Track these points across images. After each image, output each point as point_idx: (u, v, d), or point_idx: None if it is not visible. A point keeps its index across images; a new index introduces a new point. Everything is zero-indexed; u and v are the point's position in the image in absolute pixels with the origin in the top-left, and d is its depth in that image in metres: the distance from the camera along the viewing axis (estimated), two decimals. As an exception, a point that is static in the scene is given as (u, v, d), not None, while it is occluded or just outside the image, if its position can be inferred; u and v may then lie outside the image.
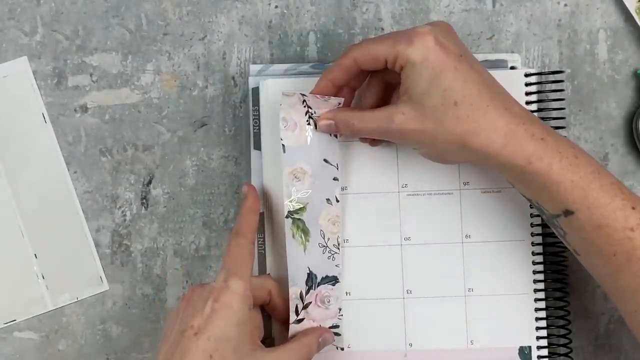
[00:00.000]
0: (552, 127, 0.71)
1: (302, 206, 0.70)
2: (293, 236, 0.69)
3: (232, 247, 0.66)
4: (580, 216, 0.61)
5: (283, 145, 0.68)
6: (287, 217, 0.69)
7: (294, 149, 0.69)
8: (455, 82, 0.61)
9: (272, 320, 0.72)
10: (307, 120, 0.69)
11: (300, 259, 0.70)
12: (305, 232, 0.70)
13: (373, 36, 0.76)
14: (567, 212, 0.61)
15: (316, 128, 0.69)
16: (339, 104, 0.68)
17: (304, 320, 0.70)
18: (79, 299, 0.76)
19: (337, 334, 0.71)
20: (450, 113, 0.61)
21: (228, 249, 0.66)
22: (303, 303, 0.70)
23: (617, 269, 0.61)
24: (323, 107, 0.68)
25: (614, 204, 0.60)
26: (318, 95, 0.68)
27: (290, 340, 0.68)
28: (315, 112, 0.68)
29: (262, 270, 0.72)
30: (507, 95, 0.63)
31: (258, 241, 0.73)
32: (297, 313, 0.70)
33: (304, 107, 0.68)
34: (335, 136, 0.70)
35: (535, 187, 0.62)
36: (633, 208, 0.60)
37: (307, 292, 0.70)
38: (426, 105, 0.62)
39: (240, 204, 0.70)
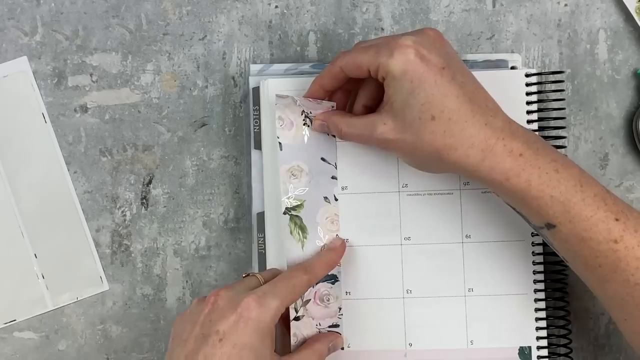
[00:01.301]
0: (551, 127, 0.72)
1: (299, 203, 0.70)
2: (291, 232, 0.70)
3: (290, 275, 0.65)
4: (563, 229, 0.60)
5: (280, 143, 0.69)
6: (284, 213, 0.70)
7: (290, 147, 0.70)
8: (434, 96, 0.60)
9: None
10: (304, 120, 0.69)
11: (298, 255, 0.70)
12: (303, 229, 0.71)
13: (373, 36, 0.76)
14: (549, 226, 0.61)
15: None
16: (332, 107, 0.69)
17: (304, 317, 0.70)
18: (79, 299, 0.76)
19: (337, 334, 0.71)
20: (428, 127, 0.60)
21: (286, 274, 0.66)
22: (302, 300, 0.70)
23: (604, 279, 0.60)
24: (316, 109, 0.69)
25: (596, 217, 0.59)
26: (311, 99, 0.69)
27: (303, 346, 0.68)
28: (310, 112, 0.69)
29: (262, 269, 0.72)
30: (491, 108, 0.62)
31: (258, 241, 0.73)
32: (296, 310, 0.70)
33: (299, 106, 0.69)
34: (334, 136, 0.71)
35: (515, 201, 0.62)
36: (616, 220, 0.59)
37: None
38: (405, 117, 0.62)
39: (322, 251, 0.70)
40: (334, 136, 0.71)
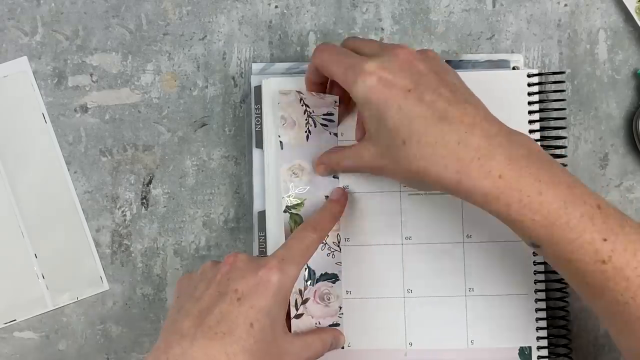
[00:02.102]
0: (552, 127, 0.72)
1: (299, 202, 0.71)
2: (291, 230, 0.70)
3: (301, 237, 0.66)
4: (548, 250, 0.58)
5: (281, 142, 0.69)
6: (284, 211, 0.70)
7: (292, 146, 0.70)
8: (400, 120, 0.59)
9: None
10: (306, 119, 0.70)
11: None
12: None
13: (373, 36, 0.76)
14: (534, 245, 0.59)
15: (315, 126, 0.70)
16: (335, 102, 0.70)
17: (303, 315, 0.70)
18: (79, 299, 0.76)
19: (337, 333, 0.72)
20: (401, 152, 0.59)
21: (296, 234, 0.66)
22: (302, 298, 0.70)
23: (592, 296, 0.58)
24: (320, 104, 0.70)
25: (583, 239, 0.56)
26: (314, 93, 0.69)
27: (310, 332, 0.69)
28: (313, 111, 0.70)
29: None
30: (467, 123, 0.58)
31: (259, 239, 0.73)
32: (296, 308, 0.70)
33: (302, 105, 0.69)
34: (335, 135, 0.71)
35: (499, 220, 0.59)
36: (604, 240, 0.56)
37: (306, 287, 0.71)
38: (380, 143, 0.61)
39: (324, 204, 0.71)
40: (336, 135, 0.71)
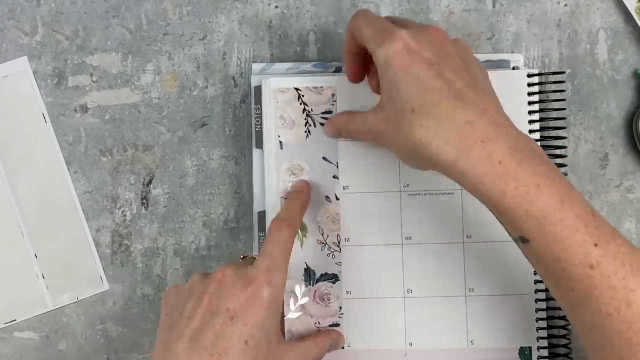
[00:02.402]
0: (552, 127, 0.72)
1: None
2: None
3: (278, 239, 0.65)
4: (536, 246, 0.57)
5: (280, 142, 0.70)
6: None
7: (291, 146, 0.71)
8: (415, 88, 0.58)
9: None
10: (305, 119, 0.70)
11: (297, 253, 0.71)
12: (302, 227, 0.71)
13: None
14: (523, 239, 0.58)
15: (315, 126, 0.70)
16: (333, 95, 0.70)
17: (301, 315, 0.71)
18: (79, 299, 0.76)
19: (337, 333, 0.72)
20: (408, 119, 0.59)
21: (272, 237, 0.65)
22: (299, 298, 0.70)
23: (576, 305, 0.57)
24: (318, 101, 0.70)
25: (574, 239, 0.55)
26: (312, 87, 0.70)
27: (307, 337, 0.69)
28: (312, 110, 0.70)
29: (263, 269, 0.72)
30: (480, 107, 0.58)
31: (259, 239, 0.73)
32: (292, 307, 0.71)
33: (300, 104, 0.70)
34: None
35: (489, 208, 0.59)
36: (595, 245, 0.55)
37: (305, 287, 0.71)
38: (389, 108, 0.61)
39: (290, 196, 0.71)
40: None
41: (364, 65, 0.68)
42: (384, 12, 0.76)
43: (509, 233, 0.59)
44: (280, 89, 0.71)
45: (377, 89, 0.67)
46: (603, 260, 0.55)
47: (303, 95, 0.71)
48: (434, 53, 0.60)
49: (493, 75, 0.71)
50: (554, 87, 0.75)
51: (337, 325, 0.71)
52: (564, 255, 0.56)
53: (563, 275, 0.56)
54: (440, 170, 0.59)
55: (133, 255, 0.76)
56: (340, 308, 0.71)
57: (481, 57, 0.75)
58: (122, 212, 0.76)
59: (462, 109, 0.57)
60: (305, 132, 0.71)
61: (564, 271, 0.56)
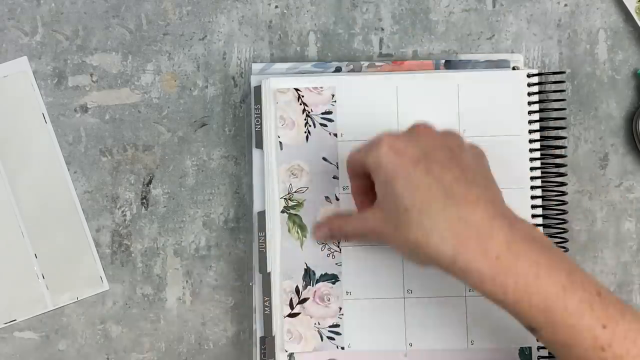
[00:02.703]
0: (552, 127, 0.72)
1: (298, 202, 0.71)
2: (289, 231, 0.71)
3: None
4: (545, 334, 0.57)
5: (280, 142, 0.70)
6: (282, 212, 0.70)
7: (291, 146, 0.71)
8: (405, 189, 0.59)
9: (272, 319, 0.72)
10: (305, 119, 0.70)
11: (297, 253, 0.71)
12: (302, 227, 0.71)
13: (373, 37, 0.76)
14: (532, 329, 0.58)
15: (315, 127, 0.70)
16: (332, 95, 0.71)
17: (300, 315, 0.71)
18: (79, 299, 0.76)
19: (337, 334, 0.71)
20: (403, 219, 0.59)
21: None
22: (299, 298, 0.71)
23: None
24: (318, 101, 0.70)
25: (581, 324, 0.56)
26: (312, 88, 0.70)
27: None
28: (312, 110, 0.70)
29: (263, 268, 0.72)
30: (471, 201, 0.58)
31: (259, 240, 0.73)
32: (291, 307, 0.71)
33: (300, 104, 0.70)
34: (335, 135, 0.71)
35: (494, 302, 0.59)
36: (604, 327, 0.55)
37: (305, 287, 0.71)
38: (385, 209, 0.62)
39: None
40: (335, 135, 0.72)
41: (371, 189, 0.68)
42: (384, 12, 0.76)
43: (520, 322, 0.59)
44: (280, 89, 0.72)
45: (356, 193, 0.69)
46: (614, 342, 0.55)
47: (303, 96, 0.71)
48: (420, 149, 0.61)
49: (492, 76, 0.71)
50: (554, 87, 0.75)
51: (337, 325, 0.71)
52: (574, 341, 0.56)
53: (577, 359, 0.57)
54: (442, 268, 0.59)
55: (133, 255, 0.76)
56: (340, 308, 0.71)
57: (481, 57, 0.75)
58: (122, 212, 0.76)
59: (452, 207, 0.58)
60: (305, 132, 0.71)
61: (577, 356, 0.57)
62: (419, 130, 0.63)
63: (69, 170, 0.76)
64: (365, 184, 0.66)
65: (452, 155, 0.61)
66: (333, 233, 0.71)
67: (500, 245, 0.57)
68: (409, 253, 0.61)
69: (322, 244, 0.72)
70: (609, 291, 0.58)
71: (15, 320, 0.75)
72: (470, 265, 0.57)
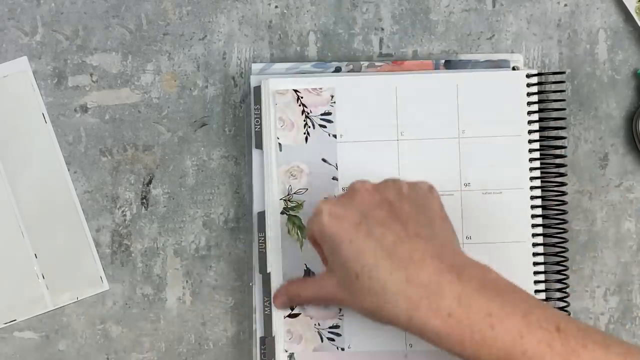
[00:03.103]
0: (551, 127, 0.72)
1: (298, 203, 0.71)
2: (289, 232, 0.71)
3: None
4: None
5: (279, 144, 0.70)
6: (282, 213, 0.70)
7: (290, 148, 0.71)
8: (352, 253, 0.60)
9: (272, 319, 0.72)
10: (304, 120, 0.70)
11: (296, 254, 0.72)
12: (302, 229, 0.72)
13: (373, 37, 0.76)
14: None
15: (314, 127, 0.71)
16: (332, 96, 0.71)
17: (300, 315, 0.71)
18: (79, 299, 0.76)
19: (337, 334, 0.71)
20: (355, 285, 0.60)
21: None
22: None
23: None
24: (317, 102, 0.70)
25: None
26: (311, 89, 0.71)
27: None
28: (311, 111, 0.70)
29: (263, 268, 0.72)
30: (416, 259, 0.58)
31: (259, 240, 0.73)
32: (291, 307, 0.71)
33: (299, 105, 0.70)
34: (334, 136, 0.71)
35: (456, 357, 0.58)
36: None
37: None
38: (337, 275, 0.62)
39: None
40: (335, 136, 0.72)
41: None
42: (384, 12, 0.76)
43: None
44: (279, 90, 0.72)
45: (324, 259, 0.67)
46: None
47: (302, 97, 0.71)
48: (359, 212, 0.61)
49: (492, 76, 0.71)
50: (554, 87, 0.74)
51: (338, 326, 0.71)
52: None
53: None
54: (400, 328, 0.59)
55: (133, 255, 0.76)
56: (341, 309, 0.71)
57: (481, 57, 0.75)
58: (122, 212, 0.76)
59: (399, 270, 0.58)
60: (305, 133, 0.71)
61: None
62: (356, 190, 0.63)
63: (69, 170, 0.76)
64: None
65: (391, 210, 0.62)
66: (292, 300, 0.71)
67: (451, 302, 0.57)
68: (367, 316, 0.62)
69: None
70: (568, 321, 0.57)
71: (15, 320, 0.75)
72: (425, 325, 0.57)
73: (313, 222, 0.63)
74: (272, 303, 0.71)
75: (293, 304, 0.72)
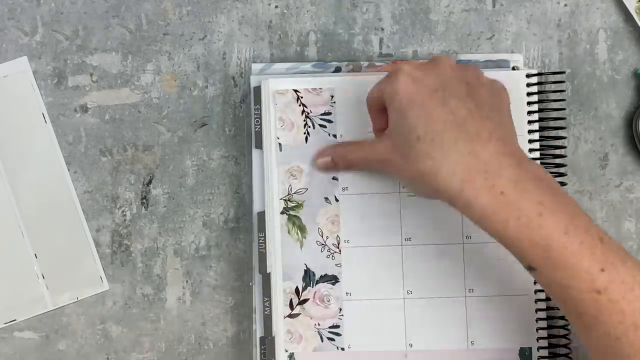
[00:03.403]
0: (551, 127, 0.72)
1: (298, 203, 0.71)
2: (288, 232, 0.71)
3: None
4: (542, 274, 0.58)
5: (279, 144, 0.70)
6: (282, 213, 0.70)
7: (290, 147, 0.71)
8: (420, 118, 0.59)
9: (272, 320, 0.72)
10: (304, 120, 0.70)
11: (297, 254, 0.72)
12: (302, 229, 0.71)
13: (373, 37, 0.76)
14: (530, 267, 0.59)
15: (314, 128, 0.70)
16: (332, 96, 0.71)
17: (300, 315, 0.71)
18: (79, 299, 0.76)
19: (337, 334, 0.72)
20: (414, 147, 0.60)
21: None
22: (299, 298, 0.71)
23: (585, 328, 0.58)
24: (317, 102, 0.70)
25: (580, 266, 0.56)
26: (310, 89, 0.71)
27: None
28: (311, 111, 0.70)
29: (263, 268, 0.72)
30: (484, 137, 0.59)
31: (259, 240, 0.73)
32: (292, 307, 0.71)
33: (299, 105, 0.70)
34: (334, 136, 0.71)
35: (495, 238, 0.59)
36: (602, 270, 0.56)
37: (304, 288, 0.72)
38: (397, 138, 0.62)
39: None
40: (335, 136, 0.72)
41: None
42: (384, 12, 0.76)
43: (518, 260, 0.60)
44: (279, 90, 0.72)
45: (378, 131, 0.67)
46: (611, 285, 0.55)
47: (302, 97, 0.71)
48: (439, 80, 0.61)
49: (492, 76, 0.71)
50: (554, 87, 0.75)
51: (337, 326, 0.71)
52: (570, 282, 0.56)
53: (571, 301, 0.57)
54: (446, 200, 0.59)
55: (133, 255, 0.76)
56: (340, 309, 0.72)
57: (481, 57, 0.75)
58: (122, 212, 0.76)
59: (464, 140, 0.58)
60: (305, 133, 0.72)
61: (572, 297, 0.57)
62: (439, 62, 0.63)
63: (69, 170, 0.76)
64: (386, 120, 0.66)
65: (470, 89, 0.62)
66: (336, 161, 0.71)
67: (507, 183, 0.57)
68: (415, 183, 0.62)
69: (324, 171, 0.72)
70: (611, 238, 0.58)
71: (15, 320, 0.75)
72: (475, 198, 0.57)
73: (388, 82, 0.62)
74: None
75: (337, 167, 0.71)
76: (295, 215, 0.72)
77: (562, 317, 0.72)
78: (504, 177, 0.57)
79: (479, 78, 0.64)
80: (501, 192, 0.57)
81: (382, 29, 0.77)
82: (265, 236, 0.72)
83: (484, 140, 0.59)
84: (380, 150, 0.64)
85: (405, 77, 0.61)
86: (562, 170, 0.73)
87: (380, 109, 0.65)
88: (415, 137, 0.59)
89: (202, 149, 0.76)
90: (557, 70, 0.76)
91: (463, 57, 0.75)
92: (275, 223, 0.72)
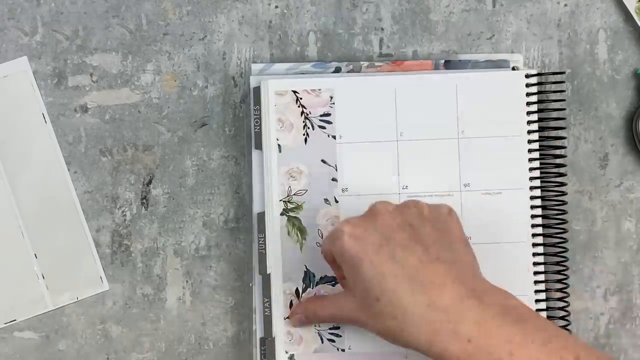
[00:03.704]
0: (551, 127, 0.72)
1: (298, 205, 0.71)
2: (288, 233, 0.71)
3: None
4: None
5: (279, 145, 0.70)
6: (282, 214, 0.70)
7: (290, 149, 0.71)
8: (373, 277, 0.59)
9: (272, 321, 0.72)
10: (304, 122, 0.70)
11: (296, 256, 0.72)
12: (302, 230, 0.71)
13: (373, 36, 0.76)
14: None
15: (313, 129, 0.70)
16: (331, 97, 0.71)
17: None
18: (79, 299, 0.76)
19: (337, 335, 0.72)
20: (375, 308, 0.60)
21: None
22: (299, 300, 0.71)
23: None
24: (316, 103, 0.70)
25: None
26: (310, 90, 0.71)
27: None
28: (310, 112, 0.70)
29: (263, 269, 0.72)
30: (438, 284, 0.58)
31: (259, 240, 0.73)
32: (291, 308, 0.71)
33: (299, 106, 0.70)
34: (334, 137, 0.71)
35: None
36: None
37: (304, 289, 0.72)
38: (357, 297, 0.62)
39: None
40: (334, 137, 0.72)
41: None
42: (384, 12, 0.76)
43: None
44: (278, 91, 0.72)
45: (342, 278, 0.67)
46: None
47: (301, 98, 0.71)
48: (381, 233, 0.61)
49: (491, 76, 0.71)
50: (553, 87, 0.74)
51: (338, 327, 0.71)
52: None
53: None
54: (419, 352, 0.59)
55: (133, 255, 0.76)
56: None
57: (481, 57, 0.75)
58: (122, 212, 0.76)
59: (420, 293, 0.58)
60: (304, 135, 0.71)
61: None
62: (377, 212, 0.63)
63: (69, 170, 0.76)
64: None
65: (414, 233, 0.61)
66: (309, 318, 0.71)
67: (471, 327, 0.57)
68: (385, 339, 0.61)
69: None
70: (589, 352, 0.57)
71: (15, 320, 0.76)
72: (445, 350, 0.57)
73: (333, 243, 0.62)
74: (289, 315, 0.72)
75: (310, 323, 0.71)
76: (295, 217, 0.72)
77: (562, 317, 0.72)
78: (467, 321, 0.57)
79: (421, 214, 0.63)
80: (468, 339, 0.56)
81: (382, 29, 0.77)
82: (265, 237, 0.72)
83: (439, 286, 0.58)
84: (346, 309, 0.64)
85: (347, 238, 0.61)
86: (562, 170, 0.73)
87: (334, 261, 0.65)
88: (373, 297, 0.60)
89: (202, 149, 0.76)
90: (557, 70, 0.76)
91: (463, 57, 0.75)
92: (275, 225, 0.72)
